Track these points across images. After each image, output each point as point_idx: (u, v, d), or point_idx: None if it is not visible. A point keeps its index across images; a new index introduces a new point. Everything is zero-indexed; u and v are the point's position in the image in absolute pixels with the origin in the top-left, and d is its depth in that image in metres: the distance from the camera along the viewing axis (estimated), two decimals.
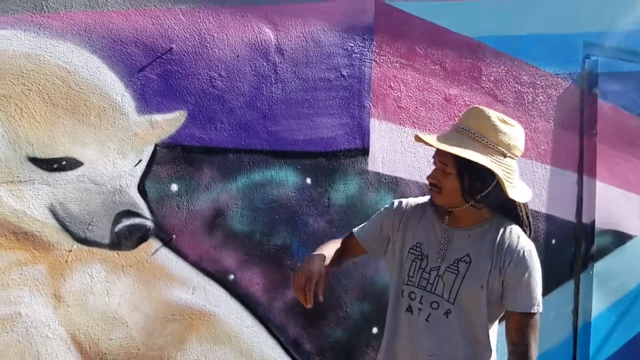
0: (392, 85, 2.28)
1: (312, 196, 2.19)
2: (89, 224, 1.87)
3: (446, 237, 1.59)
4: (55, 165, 1.80)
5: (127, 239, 1.92)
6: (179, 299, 2.02)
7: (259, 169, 2.11)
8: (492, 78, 2.46)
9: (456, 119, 1.77)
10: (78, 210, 1.84)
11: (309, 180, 2.18)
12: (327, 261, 1.65)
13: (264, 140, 2.10)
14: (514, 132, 1.54)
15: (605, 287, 2.81)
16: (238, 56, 2.04)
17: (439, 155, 1.54)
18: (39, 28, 1.77)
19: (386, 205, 1.78)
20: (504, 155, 1.53)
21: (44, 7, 1.77)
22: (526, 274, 1.55)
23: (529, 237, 1.63)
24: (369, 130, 2.24)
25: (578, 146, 2.74)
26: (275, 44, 2.09)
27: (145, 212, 1.94)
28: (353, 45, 2.19)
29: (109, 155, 1.88)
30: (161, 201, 1.97)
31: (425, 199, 1.73)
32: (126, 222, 1.90)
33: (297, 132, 2.15)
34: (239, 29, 2.03)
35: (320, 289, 1.58)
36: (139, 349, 1.98)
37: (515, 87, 2.53)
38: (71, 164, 1.82)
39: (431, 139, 1.54)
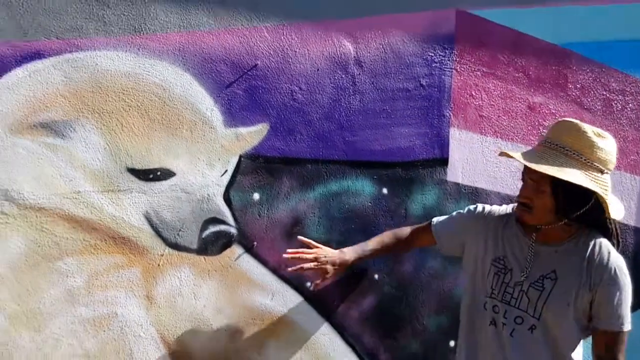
0: (474, 93, 2.24)
1: (389, 206, 2.19)
2: (179, 230, 1.98)
3: (532, 253, 1.55)
4: (150, 176, 1.94)
5: (213, 244, 2.01)
6: (259, 303, 2.09)
7: (336, 178, 2.15)
8: (578, 85, 2.36)
9: (543, 130, 1.70)
10: (170, 217, 1.97)
11: (385, 191, 2.18)
12: (366, 252, 1.81)
13: (341, 151, 2.14)
14: (609, 146, 1.48)
15: None
16: (318, 69, 2.09)
17: (532, 172, 1.48)
18: (138, 49, 1.91)
19: (470, 207, 1.76)
20: (602, 172, 1.46)
21: (143, 30, 1.91)
22: (617, 292, 1.49)
23: (618, 250, 1.56)
24: (448, 140, 2.22)
25: None
26: (354, 56, 2.12)
27: (230, 219, 2.03)
28: (433, 54, 2.19)
29: (198, 166, 1.99)
30: (244, 209, 2.05)
31: (509, 208, 1.70)
32: (212, 228, 2.00)
33: (374, 142, 2.16)
34: (319, 43, 2.08)
35: (321, 276, 1.79)
36: (222, 351, 2.06)
37: (603, 94, 2.41)
38: (165, 174, 1.95)
39: (523, 156, 1.48)
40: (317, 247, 1.92)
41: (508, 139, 2.28)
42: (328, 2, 2.08)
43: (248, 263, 2.07)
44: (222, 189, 2.02)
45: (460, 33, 2.20)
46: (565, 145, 1.47)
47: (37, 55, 1.85)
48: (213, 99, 1.99)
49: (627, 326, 1.51)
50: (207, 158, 1.99)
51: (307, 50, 2.07)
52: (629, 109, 2.47)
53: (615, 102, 2.44)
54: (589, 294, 1.51)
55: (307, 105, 2.09)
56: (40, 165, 1.87)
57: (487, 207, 1.72)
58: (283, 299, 2.11)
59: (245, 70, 2.02)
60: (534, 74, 2.30)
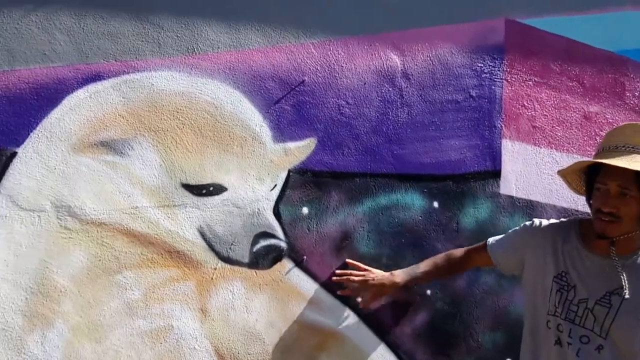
0: (526, 104, 2.19)
1: (440, 220, 2.16)
2: (231, 244, 2.02)
3: (608, 269, 1.47)
4: (204, 191, 1.99)
5: (263, 258, 2.04)
6: (310, 318, 2.09)
7: (384, 192, 2.13)
8: (637, 93, 2.27)
9: (600, 140, 1.64)
10: (222, 231, 2.01)
11: (436, 204, 2.15)
12: (418, 275, 1.80)
13: (389, 164, 2.13)
14: None
15: None
16: (365, 83, 2.10)
17: (618, 179, 1.40)
18: (191, 68, 1.99)
19: (525, 223, 1.71)
20: None
21: (195, 50, 1.99)
22: None
23: None
24: (501, 152, 2.17)
25: None
26: (401, 69, 2.12)
27: (280, 233, 2.05)
28: (482, 65, 2.16)
29: (248, 181, 2.02)
30: (293, 223, 2.07)
31: (567, 222, 1.63)
32: (263, 242, 2.03)
33: (424, 155, 2.14)
34: (366, 57, 2.10)
35: (369, 298, 1.82)
36: None
37: None
38: (217, 189, 2.00)
39: (607, 161, 1.41)
40: (366, 270, 1.91)
41: (563, 150, 2.21)
42: (374, 15, 2.09)
43: (298, 277, 2.08)
44: (272, 204, 2.05)
45: (510, 42, 2.16)
46: (631, 143, 1.41)
47: (97, 77, 1.95)
48: (262, 115, 2.03)
49: None
50: (257, 173, 2.03)
51: (354, 64, 2.09)
52: None
53: None
54: None
55: (354, 119, 2.10)
56: (100, 182, 1.95)
57: (544, 222, 1.66)
58: (333, 314, 2.10)
59: (293, 86, 2.05)
60: (589, 82, 2.22)
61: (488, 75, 2.16)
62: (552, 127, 2.21)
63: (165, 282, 1.99)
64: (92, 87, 1.95)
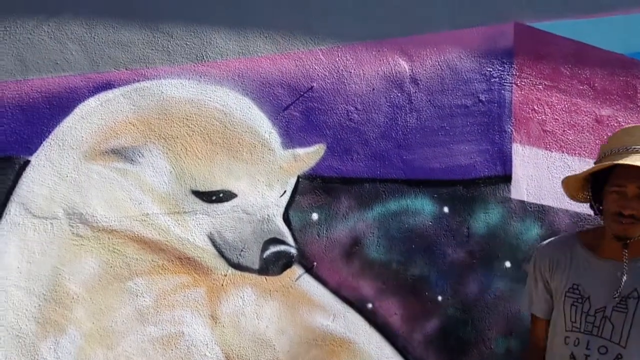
0: (536, 108, 2.18)
1: (451, 225, 2.14)
2: (241, 250, 2.03)
3: (621, 274, 1.45)
4: (213, 197, 2.00)
5: (273, 265, 2.04)
6: (320, 324, 2.08)
7: (394, 198, 2.13)
8: None
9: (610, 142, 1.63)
10: (232, 237, 2.01)
11: (446, 209, 2.14)
12: None
13: (399, 170, 2.12)
14: None
15: None
16: (373, 89, 2.10)
17: (637, 181, 1.39)
18: (200, 76, 2.00)
19: (528, 265, 1.67)
20: None
21: (204, 57, 2.01)
22: None
23: None
24: (511, 156, 2.15)
25: None
26: (410, 75, 2.12)
27: (290, 240, 2.05)
28: (491, 69, 2.15)
29: (258, 187, 2.03)
30: (303, 229, 2.07)
31: (564, 237, 1.62)
32: (273, 249, 2.03)
33: (433, 160, 2.13)
34: (374, 63, 2.10)
35: None
36: None
37: None
38: (227, 196, 2.01)
39: (630, 162, 1.40)
40: None
41: (575, 153, 2.18)
42: (381, 21, 2.10)
43: (308, 283, 2.08)
44: (282, 210, 2.05)
45: (519, 46, 2.15)
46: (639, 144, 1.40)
47: (107, 85, 1.98)
48: (271, 122, 2.04)
49: None
50: (266, 179, 2.03)
51: (362, 70, 2.09)
52: None
53: None
54: None
55: (363, 125, 2.10)
56: (111, 189, 1.97)
57: (540, 248, 1.64)
58: (344, 320, 2.10)
59: (302, 93, 2.06)
60: (600, 85, 2.20)
61: (497, 79, 2.15)
62: (563, 130, 2.19)
63: (176, 288, 2.00)
64: (103, 96, 1.98)
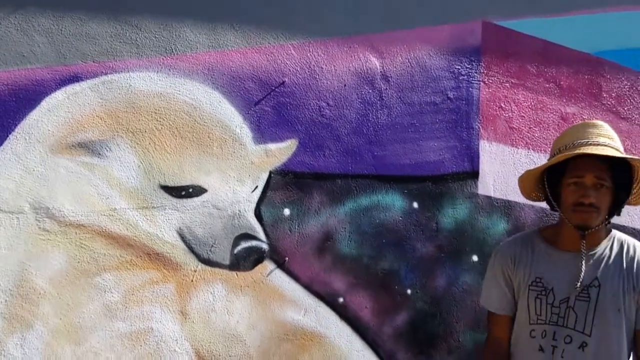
0: (503, 105, 2.22)
1: (420, 220, 2.17)
2: (212, 246, 2.02)
3: (581, 264, 1.50)
4: (183, 193, 1.99)
5: (245, 260, 2.04)
6: (291, 319, 2.09)
7: (365, 193, 2.15)
8: (613, 94, 2.30)
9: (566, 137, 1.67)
10: (202, 233, 2.01)
11: (416, 205, 2.17)
12: None
13: (370, 165, 2.14)
14: None
15: None
16: (345, 85, 2.12)
17: (595, 171, 1.45)
18: (169, 69, 1.99)
19: (489, 262, 1.69)
20: None
21: (173, 50, 1.99)
22: None
23: None
24: (479, 153, 2.19)
25: None
26: (380, 71, 2.13)
27: (261, 235, 2.06)
28: (460, 67, 2.18)
29: (229, 182, 2.03)
30: (275, 225, 2.07)
31: (524, 234, 1.67)
32: (244, 244, 2.03)
33: (403, 156, 2.16)
34: (346, 59, 2.11)
35: None
36: None
37: None
38: (197, 191, 2.00)
39: (594, 150, 1.46)
40: None
41: (541, 150, 2.23)
42: (353, 18, 2.11)
43: (280, 279, 2.08)
44: (253, 205, 2.05)
45: (487, 45, 2.18)
46: (595, 138, 1.46)
47: (74, 78, 1.95)
48: (242, 117, 2.03)
49: None
50: (237, 174, 2.03)
51: (334, 66, 2.10)
52: None
53: None
54: (634, 295, 1.47)
55: (335, 121, 2.11)
56: (79, 183, 1.94)
57: (502, 246, 1.67)
58: (315, 315, 2.11)
59: (273, 88, 2.06)
60: (566, 83, 2.25)
61: (465, 77, 2.18)
62: (529, 128, 2.24)
63: (145, 284, 1.99)
64: (70, 89, 1.95)
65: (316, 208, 2.10)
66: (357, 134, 2.12)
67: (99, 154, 1.95)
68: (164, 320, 2.00)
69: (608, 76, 2.29)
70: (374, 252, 2.14)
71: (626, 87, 2.32)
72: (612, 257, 1.50)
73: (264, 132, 2.05)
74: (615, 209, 1.51)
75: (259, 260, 2.05)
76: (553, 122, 2.25)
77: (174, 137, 1.98)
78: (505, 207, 2.21)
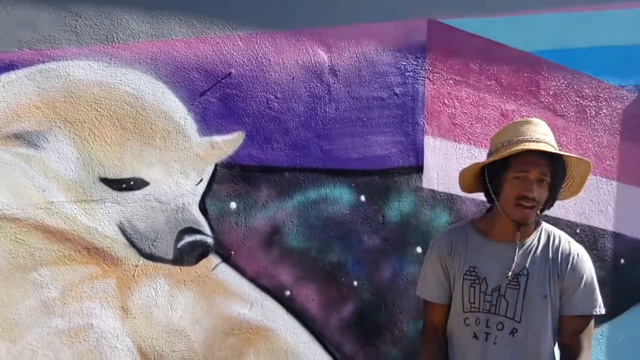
0: (446, 102, 2.27)
1: (367, 213, 2.20)
2: (154, 240, 1.98)
3: (513, 254, 1.57)
4: (124, 185, 1.93)
5: (189, 254, 2.01)
6: (237, 313, 2.08)
7: (313, 187, 2.15)
8: (551, 92, 2.40)
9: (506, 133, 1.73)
10: (144, 227, 1.96)
11: (363, 198, 2.20)
12: None
13: (318, 159, 2.15)
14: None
15: None
16: (293, 78, 2.11)
17: (539, 167, 1.50)
18: (110, 58, 1.92)
19: (427, 253, 1.74)
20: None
21: (115, 39, 1.92)
22: (584, 277, 1.55)
23: None
24: (423, 148, 2.24)
25: None
26: (329, 65, 2.14)
27: (206, 229, 2.03)
28: (406, 63, 2.21)
29: (172, 175, 1.99)
30: (221, 219, 2.05)
31: (458, 225, 1.73)
32: (188, 238, 2.00)
33: (351, 150, 2.18)
34: (294, 52, 2.10)
35: None
36: None
37: (576, 100, 2.45)
38: (138, 183, 1.95)
39: (541, 147, 1.52)
40: None
41: (481, 145, 2.30)
42: (301, 10, 2.10)
43: (225, 273, 2.06)
44: (198, 198, 2.02)
45: (432, 42, 2.23)
46: (536, 135, 1.52)
47: (10, 66, 1.85)
48: (187, 108, 1.99)
49: (601, 310, 1.55)
50: (181, 167, 1.99)
51: (282, 58, 2.09)
52: (602, 115, 2.51)
53: (589, 108, 2.48)
54: (558, 283, 1.55)
55: (283, 114, 2.10)
56: (14, 175, 1.86)
57: (439, 237, 1.72)
58: (262, 309, 2.11)
59: (219, 79, 2.03)
60: (506, 81, 2.33)
61: (411, 73, 2.22)
62: (471, 124, 2.31)
63: (84, 279, 1.93)
64: (5, 77, 1.85)
65: (263, 201, 2.09)
66: (306, 127, 2.12)
67: (36, 145, 1.87)
68: (104, 316, 1.95)
69: (546, 75, 2.39)
70: (321, 245, 2.15)
71: (563, 85, 2.42)
72: (540, 247, 1.57)
73: (209, 123, 2.01)
74: (548, 203, 1.58)
75: (203, 255, 2.02)
76: (494, 118, 2.33)
77: (115, 128, 1.92)
78: (448, 200, 2.27)
